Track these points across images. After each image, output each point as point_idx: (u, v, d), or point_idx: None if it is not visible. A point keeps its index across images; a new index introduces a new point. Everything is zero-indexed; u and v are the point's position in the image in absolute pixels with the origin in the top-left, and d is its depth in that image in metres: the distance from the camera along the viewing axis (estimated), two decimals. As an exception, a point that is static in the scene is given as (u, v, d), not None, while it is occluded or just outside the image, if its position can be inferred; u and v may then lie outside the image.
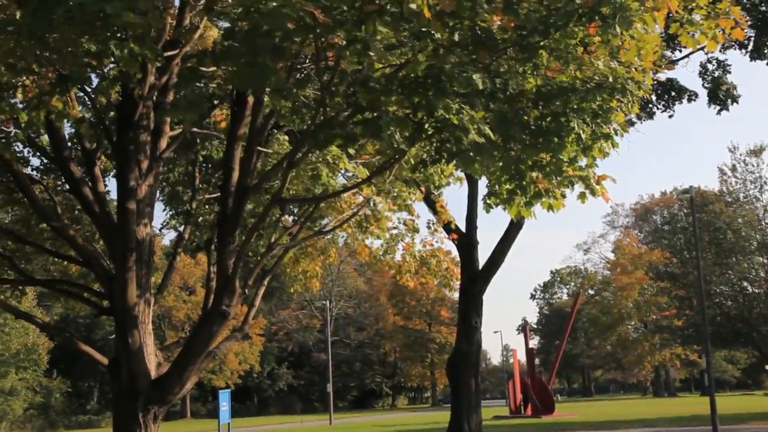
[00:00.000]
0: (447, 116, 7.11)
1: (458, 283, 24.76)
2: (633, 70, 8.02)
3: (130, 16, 6.32)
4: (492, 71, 7.54)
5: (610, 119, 7.93)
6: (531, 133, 7.52)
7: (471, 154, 7.39)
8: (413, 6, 6.31)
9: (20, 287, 14.21)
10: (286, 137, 13.26)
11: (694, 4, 8.55)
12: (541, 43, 7.23)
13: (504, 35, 7.04)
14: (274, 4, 6.19)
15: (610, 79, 7.61)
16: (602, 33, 7.12)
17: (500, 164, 8.18)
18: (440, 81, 7.03)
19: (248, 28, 6.68)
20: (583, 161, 8.60)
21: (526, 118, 7.62)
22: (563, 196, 9.11)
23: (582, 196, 8.99)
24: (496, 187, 9.18)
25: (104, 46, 7.68)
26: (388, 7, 6.42)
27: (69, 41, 7.26)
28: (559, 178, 8.67)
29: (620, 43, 7.77)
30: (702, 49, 9.25)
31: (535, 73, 7.74)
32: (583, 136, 7.65)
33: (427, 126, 7.54)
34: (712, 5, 8.62)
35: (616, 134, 8.28)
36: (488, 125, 7.43)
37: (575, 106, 7.53)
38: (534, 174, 8.57)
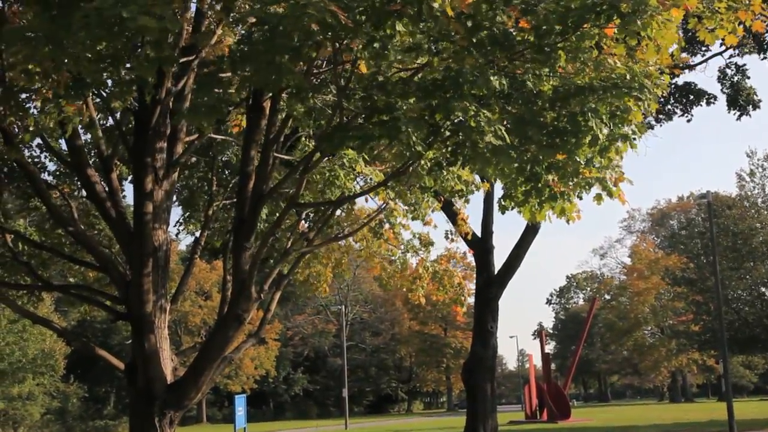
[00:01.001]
0: (464, 119, 7.07)
1: (469, 299, 24.67)
2: (650, 68, 7.93)
3: (146, 20, 6.33)
4: (509, 73, 7.50)
5: (628, 119, 7.85)
6: (548, 133, 7.46)
7: (487, 156, 7.36)
8: (435, 5, 6.28)
9: (37, 293, 14.28)
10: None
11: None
12: (559, 45, 7.18)
13: (522, 36, 7.01)
14: (293, 2, 6.18)
15: (628, 78, 7.53)
16: (620, 31, 7.05)
17: (516, 166, 8.13)
18: (458, 84, 7.00)
19: (268, 28, 6.67)
20: (598, 163, 8.53)
21: (542, 119, 7.57)
22: (580, 197, 9.05)
23: (598, 198, 8.91)
24: (512, 189, 9.13)
25: (121, 51, 7.71)
26: (408, 9, 6.39)
27: (86, 46, 7.29)
28: (575, 180, 8.60)
29: (638, 42, 7.69)
30: (722, 44, 9.15)
31: (551, 74, 7.69)
32: (600, 136, 7.58)
33: (443, 128, 7.51)
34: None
35: (634, 135, 8.21)
36: (505, 127, 7.38)
37: (593, 106, 7.46)
38: (550, 177, 8.52)
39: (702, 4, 8.50)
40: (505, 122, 7.57)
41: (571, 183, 8.66)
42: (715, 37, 8.64)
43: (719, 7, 8.46)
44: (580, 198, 9.05)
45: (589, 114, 7.35)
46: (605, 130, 7.62)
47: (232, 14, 8.46)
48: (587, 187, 8.76)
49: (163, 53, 7.48)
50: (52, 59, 7.78)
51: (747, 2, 8.49)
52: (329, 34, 6.59)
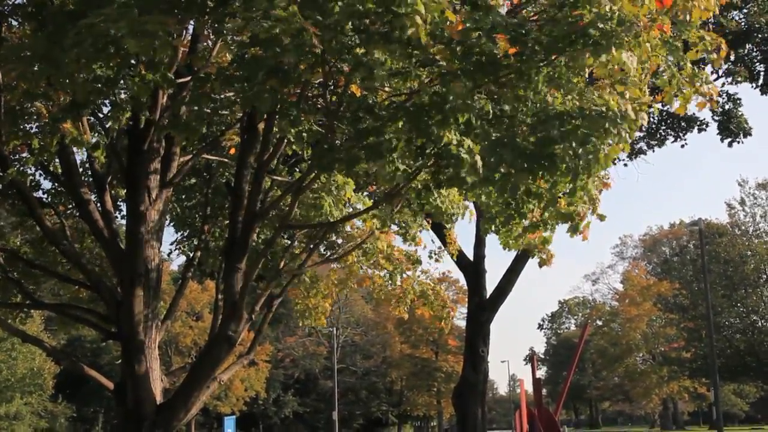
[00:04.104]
0: (448, 146, 7.14)
1: (459, 321, 24.68)
2: (629, 104, 7.94)
3: (132, 43, 6.39)
4: (494, 96, 7.57)
5: (599, 149, 7.81)
6: (523, 157, 7.49)
7: (468, 180, 7.41)
8: (410, 32, 6.33)
9: (27, 311, 14.23)
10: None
11: (683, 61, 8.61)
12: (543, 70, 7.25)
13: (507, 60, 7.09)
14: (270, 23, 6.23)
15: (603, 110, 7.56)
16: (593, 56, 7.11)
17: (497, 188, 8.16)
18: (443, 110, 7.08)
19: (253, 53, 6.73)
20: (578, 194, 8.51)
21: (519, 141, 7.60)
22: (553, 229, 9.06)
23: (571, 231, 8.92)
24: (494, 213, 9.14)
25: (116, 73, 7.76)
26: (392, 33, 6.46)
27: (80, 65, 7.33)
28: (551, 210, 8.61)
29: (611, 73, 7.76)
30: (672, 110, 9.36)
31: (532, 99, 7.74)
32: (576, 164, 7.57)
33: (428, 151, 7.57)
34: (694, 70, 8.74)
35: (596, 163, 8.15)
36: (483, 149, 7.43)
37: (565, 132, 7.46)
38: (530, 205, 8.52)
39: (674, 65, 8.66)
40: (485, 142, 7.61)
41: (547, 213, 8.66)
42: (672, 101, 8.76)
43: (685, 74, 8.63)
44: (553, 230, 9.05)
45: (560, 140, 7.36)
46: (575, 159, 7.60)
47: (223, 34, 8.51)
48: (562, 218, 8.75)
49: (158, 73, 7.54)
50: (48, 78, 7.83)
51: (707, 81, 8.75)
52: (311, 57, 6.64)
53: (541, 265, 9.86)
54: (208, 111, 8.31)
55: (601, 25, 6.83)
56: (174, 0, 7.04)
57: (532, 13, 7.62)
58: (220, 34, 7.70)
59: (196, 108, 8.05)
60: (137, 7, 6.61)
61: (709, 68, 9.42)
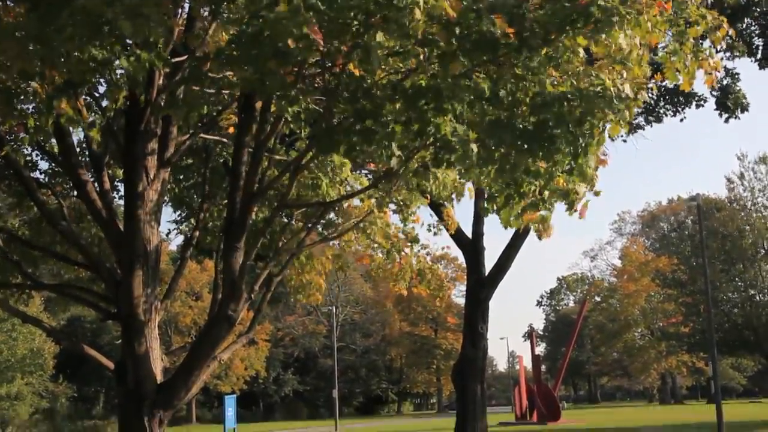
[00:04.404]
0: (438, 134, 7.14)
1: (454, 295, 24.76)
2: (627, 83, 7.91)
3: (126, 25, 6.34)
4: (492, 76, 7.54)
5: (594, 130, 7.79)
6: (523, 138, 7.48)
7: (467, 161, 7.41)
8: (417, 15, 6.31)
9: (27, 292, 14.24)
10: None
11: (684, 38, 8.58)
12: (542, 50, 7.23)
13: (506, 40, 7.06)
14: (279, 9, 6.19)
15: (598, 89, 7.54)
16: (593, 35, 7.08)
17: (496, 169, 8.16)
18: (439, 95, 7.06)
19: (253, 32, 6.69)
20: (576, 173, 8.50)
21: (520, 123, 7.59)
22: (551, 207, 9.06)
23: (569, 208, 8.92)
24: (494, 192, 9.14)
25: (110, 53, 7.70)
26: (391, 23, 6.43)
27: (75, 46, 7.28)
28: (550, 187, 8.60)
29: (610, 52, 7.74)
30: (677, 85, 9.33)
31: (531, 80, 7.72)
32: (567, 144, 7.57)
33: (426, 134, 7.55)
34: (697, 45, 8.72)
35: (593, 141, 8.14)
36: (479, 132, 7.41)
37: (563, 114, 7.45)
38: (531, 186, 8.51)
39: (674, 41, 8.63)
40: (484, 123, 7.59)
41: (546, 191, 8.66)
42: (677, 78, 8.74)
43: (686, 50, 8.60)
44: (551, 208, 9.04)
45: (555, 120, 7.36)
46: (572, 139, 7.58)
47: (220, 17, 8.46)
48: (560, 197, 8.73)
49: (155, 54, 7.49)
50: (41, 58, 7.77)
51: (708, 55, 8.75)
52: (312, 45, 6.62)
53: (540, 237, 9.84)
54: (208, 91, 8.28)
55: (602, 3, 6.79)
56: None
57: (536, 2, 7.59)
58: (217, 15, 7.66)
59: (194, 88, 8.01)
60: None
61: (707, 43, 9.36)
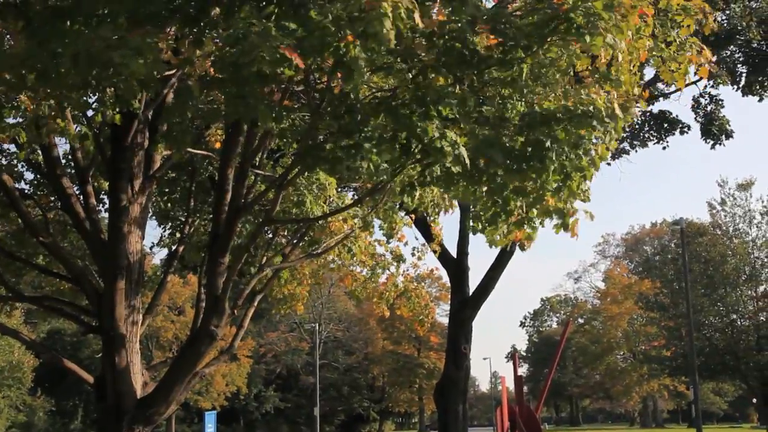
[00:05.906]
0: (426, 141, 7.13)
1: (438, 315, 24.77)
2: (616, 102, 7.94)
3: (138, 64, 6.34)
4: (477, 92, 7.57)
5: (589, 150, 7.84)
6: (513, 158, 7.50)
7: (454, 178, 7.42)
8: (385, 30, 6.26)
9: (9, 303, 14.12)
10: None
11: (670, 38, 8.67)
12: (526, 61, 7.24)
13: (489, 53, 7.08)
14: (252, 39, 6.16)
15: (591, 108, 7.57)
16: (577, 38, 7.07)
17: (484, 189, 8.18)
18: (424, 103, 7.06)
19: (231, 60, 6.67)
20: (564, 192, 8.52)
21: (508, 142, 7.60)
22: (541, 225, 9.08)
23: (557, 228, 8.93)
24: (481, 211, 9.14)
25: (105, 82, 7.68)
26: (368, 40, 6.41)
27: (71, 77, 7.25)
28: (537, 207, 8.62)
29: (598, 65, 7.78)
30: (678, 85, 9.38)
31: (517, 96, 7.74)
32: (567, 164, 7.59)
33: (414, 149, 7.56)
34: (682, 42, 8.80)
35: (591, 166, 8.16)
36: (468, 150, 7.42)
37: (555, 134, 7.47)
38: (518, 203, 8.53)
39: (662, 43, 8.70)
40: (472, 143, 7.60)
41: (535, 210, 8.68)
42: (673, 78, 8.81)
43: (673, 48, 8.68)
44: (542, 225, 9.06)
45: (550, 142, 7.38)
46: (566, 161, 7.61)
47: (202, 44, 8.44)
48: (548, 215, 8.75)
49: (146, 80, 7.47)
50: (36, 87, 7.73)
51: (698, 50, 8.80)
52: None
53: (523, 249, 9.83)
54: (199, 113, 8.28)
55: (583, 8, 6.81)
56: (160, 13, 6.98)
57: (518, 11, 7.62)
58: (199, 44, 7.66)
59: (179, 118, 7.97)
60: (126, 13, 6.58)
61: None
